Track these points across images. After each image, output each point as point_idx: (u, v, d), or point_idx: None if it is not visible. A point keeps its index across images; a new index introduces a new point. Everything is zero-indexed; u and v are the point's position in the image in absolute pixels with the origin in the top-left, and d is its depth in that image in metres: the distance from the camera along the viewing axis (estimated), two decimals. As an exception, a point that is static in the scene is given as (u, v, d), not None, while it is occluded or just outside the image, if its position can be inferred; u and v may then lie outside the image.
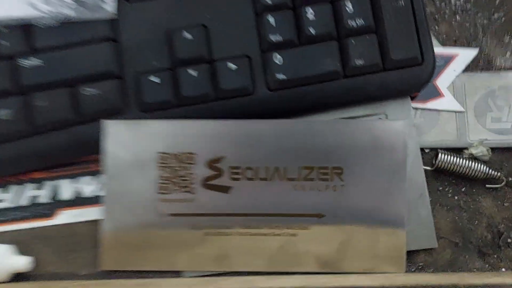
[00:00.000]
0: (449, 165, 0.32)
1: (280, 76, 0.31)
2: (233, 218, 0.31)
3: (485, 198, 0.33)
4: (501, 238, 0.32)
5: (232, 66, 0.31)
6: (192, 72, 0.31)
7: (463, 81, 0.33)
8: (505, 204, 0.32)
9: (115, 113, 0.31)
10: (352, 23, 0.31)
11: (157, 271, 0.32)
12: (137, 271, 0.31)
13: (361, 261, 0.30)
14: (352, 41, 0.31)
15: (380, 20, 0.31)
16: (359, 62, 0.30)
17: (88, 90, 0.30)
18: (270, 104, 0.31)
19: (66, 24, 0.31)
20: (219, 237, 0.31)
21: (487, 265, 0.32)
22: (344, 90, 0.31)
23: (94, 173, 0.34)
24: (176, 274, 0.31)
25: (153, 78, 0.31)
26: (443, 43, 0.34)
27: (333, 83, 0.31)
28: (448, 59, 0.33)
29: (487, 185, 0.33)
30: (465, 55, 0.33)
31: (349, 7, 0.31)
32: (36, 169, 0.33)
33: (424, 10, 0.32)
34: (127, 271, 0.31)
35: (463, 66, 0.34)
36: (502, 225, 0.32)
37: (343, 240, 0.31)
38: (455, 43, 0.34)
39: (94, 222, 0.32)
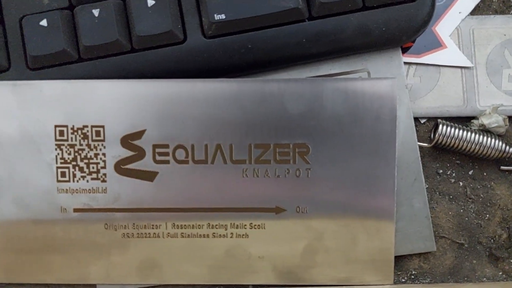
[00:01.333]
0: (452, 140, 0.28)
1: (219, 17, 0.26)
2: (160, 214, 0.27)
3: (499, 184, 0.29)
4: (520, 237, 0.29)
5: (150, 1, 0.26)
6: (95, 12, 0.26)
7: (472, 27, 0.29)
8: (525, 191, 0.30)
9: (-6, 72, 0.27)
10: None
11: (63, 284, 0.28)
12: (36, 284, 0.28)
13: (334, 269, 0.27)
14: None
15: None
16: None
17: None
18: (207, 57, 0.27)
19: None
20: (142, 239, 0.27)
21: (500, 273, 0.29)
22: (309, 37, 0.27)
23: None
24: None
25: (42, 22, 0.26)
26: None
27: (294, 27, 0.26)
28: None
29: (502, 167, 0.29)
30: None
31: None
32: None
33: None
34: (23, 284, 0.28)
35: (471, 7, 0.29)
36: (522, 219, 0.29)
37: (309, 241, 0.27)
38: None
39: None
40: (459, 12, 0.29)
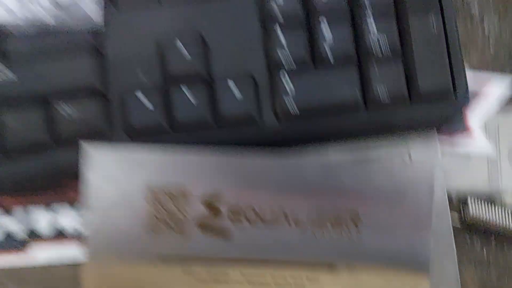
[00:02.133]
0: (481, 223, 0.31)
1: (290, 104, 0.29)
2: (231, 264, 0.30)
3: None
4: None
5: (234, 88, 0.29)
6: (187, 93, 0.29)
7: (498, 121, 0.32)
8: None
9: (98, 137, 0.29)
10: (375, 46, 0.29)
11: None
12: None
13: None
14: (375, 67, 0.29)
15: (407, 44, 0.29)
16: (383, 92, 0.28)
17: (67, 109, 0.28)
18: (278, 136, 0.29)
19: (44, 33, 0.29)
20: (214, 285, 0.30)
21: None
22: (364, 125, 0.29)
23: (72, 201, 0.32)
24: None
25: (142, 98, 0.29)
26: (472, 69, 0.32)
27: (352, 116, 0.29)
28: (480, 91, 0.32)
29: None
30: (498, 87, 0.32)
31: (373, 27, 0.29)
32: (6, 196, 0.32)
33: (458, 35, 0.29)
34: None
35: (498, 102, 0.32)
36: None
37: (355, 292, 0.30)
38: (487, 71, 0.32)
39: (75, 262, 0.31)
40: (487, 107, 0.31)
